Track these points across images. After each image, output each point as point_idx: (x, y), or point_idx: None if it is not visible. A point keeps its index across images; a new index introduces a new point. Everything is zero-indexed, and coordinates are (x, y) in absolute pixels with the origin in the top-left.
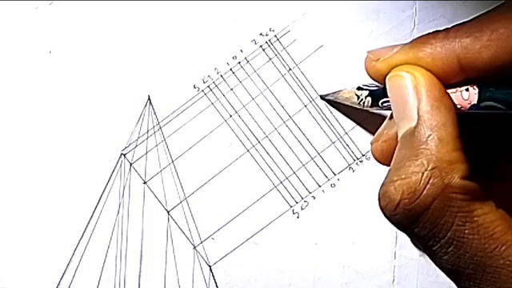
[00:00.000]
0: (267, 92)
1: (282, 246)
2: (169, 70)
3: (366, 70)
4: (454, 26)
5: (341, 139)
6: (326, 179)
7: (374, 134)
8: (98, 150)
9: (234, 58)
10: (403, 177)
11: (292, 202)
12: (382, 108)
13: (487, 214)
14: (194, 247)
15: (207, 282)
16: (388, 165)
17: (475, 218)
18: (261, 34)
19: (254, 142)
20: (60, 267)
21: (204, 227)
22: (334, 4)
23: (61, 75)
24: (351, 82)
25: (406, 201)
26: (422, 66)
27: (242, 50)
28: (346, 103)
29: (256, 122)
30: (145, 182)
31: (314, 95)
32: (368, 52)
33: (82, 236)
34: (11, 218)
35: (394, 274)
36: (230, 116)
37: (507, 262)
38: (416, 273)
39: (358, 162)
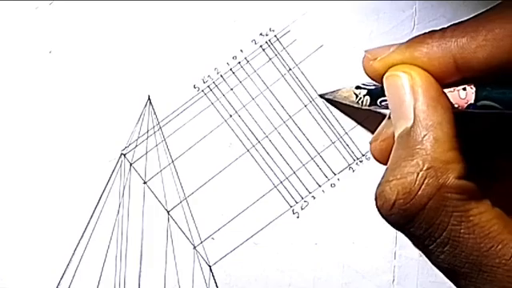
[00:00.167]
0: (267, 92)
1: (282, 246)
2: (169, 70)
3: (364, 70)
4: (450, 26)
5: (341, 139)
6: (326, 179)
7: (374, 133)
8: (98, 150)
9: (234, 58)
10: (399, 177)
11: (292, 202)
12: (381, 107)
13: (483, 214)
14: (194, 247)
15: (207, 282)
16: (387, 164)
17: (471, 218)
18: (261, 34)
19: (254, 141)
20: (60, 267)
21: (204, 227)
22: (334, 4)
23: (61, 75)
24: (351, 81)
25: (402, 201)
26: (419, 66)
27: (242, 50)
28: (344, 102)
29: (256, 122)
30: (145, 182)
31: (314, 95)
32: (365, 51)
33: (82, 236)
34: (11, 217)
35: (394, 273)
36: (230, 116)
37: (503, 261)
38: (416, 273)
39: (358, 162)
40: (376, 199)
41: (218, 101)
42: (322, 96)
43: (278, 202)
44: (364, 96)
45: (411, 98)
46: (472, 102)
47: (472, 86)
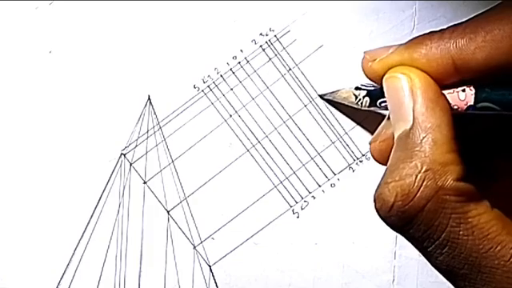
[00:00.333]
0: (267, 92)
1: (282, 246)
2: (169, 69)
3: (363, 71)
4: (449, 27)
5: (341, 139)
6: (326, 179)
7: (373, 134)
8: (98, 150)
9: (234, 58)
10: (397, 179)
11: (292, 202)
12: (381, 108)
13: (482, 215)
14: (194, 247)
15: (207, 281)
16: (386, 165)
17: (469, 219)
18: (261, 34)
19: (254, 141)
20: (60, 267)
21: (204, 227)
22: (334, 4)
23: (61, 75)
24: (351, 82)
25: (400, 203)
26: (418, 67)
27: (242, 50)
28: (344, 103)
29: (256, 122)
30: (145, 182)
31: (314, 95)
32: (364, 52)
33: (81, 236)
34: (11, 217)
35: (394, 274)
36: (230, 116)
37: (502, 262)
38: (416, 273)
39: (358, 162)
40: (375, 201)
41: (218, 101)
42: (321, 97)
43: (278, 202)
44: (363, 97)
45: (410, 100)
46: (471, 103)
47: (471, 88)
